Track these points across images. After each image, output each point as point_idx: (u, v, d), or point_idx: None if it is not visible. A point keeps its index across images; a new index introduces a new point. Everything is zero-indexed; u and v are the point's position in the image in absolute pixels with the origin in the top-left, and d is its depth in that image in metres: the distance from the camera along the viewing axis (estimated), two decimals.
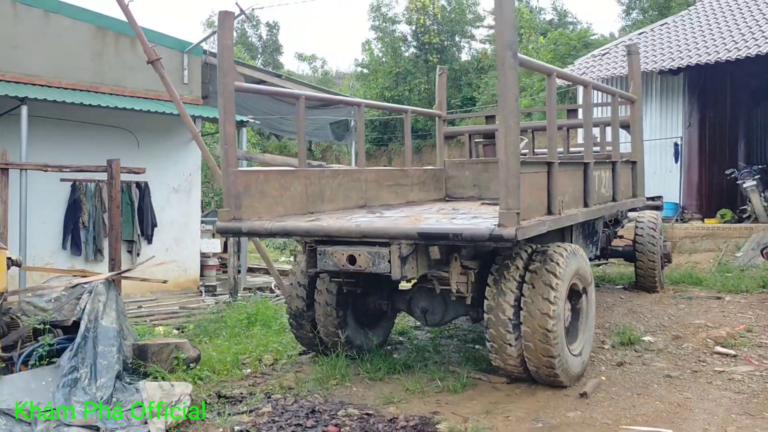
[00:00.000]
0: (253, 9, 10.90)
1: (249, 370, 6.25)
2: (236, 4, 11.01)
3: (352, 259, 5.12)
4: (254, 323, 7.79)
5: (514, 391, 5.43)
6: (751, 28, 13.91)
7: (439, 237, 4.79)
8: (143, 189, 11.25)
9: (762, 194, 12.68)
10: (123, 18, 11.20)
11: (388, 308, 6.52)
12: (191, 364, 5.92)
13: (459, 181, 9.03)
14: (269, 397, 5.35)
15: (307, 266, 5.43)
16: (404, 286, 6.67)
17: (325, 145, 31.45)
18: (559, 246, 5.51)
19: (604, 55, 15.26)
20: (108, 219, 8.95)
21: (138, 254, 11.08)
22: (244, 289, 11.38)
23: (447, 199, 8.89)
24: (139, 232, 11.14)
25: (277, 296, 9.86)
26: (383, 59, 36.91)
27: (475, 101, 31.99)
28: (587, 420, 4.78)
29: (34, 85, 10.01)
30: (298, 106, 6.63)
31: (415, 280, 6.40)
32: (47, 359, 5.27)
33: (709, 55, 13.12)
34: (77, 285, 5.78)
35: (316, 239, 5.32)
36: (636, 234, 8.97)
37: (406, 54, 36.73)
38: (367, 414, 4.96)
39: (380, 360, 6.12)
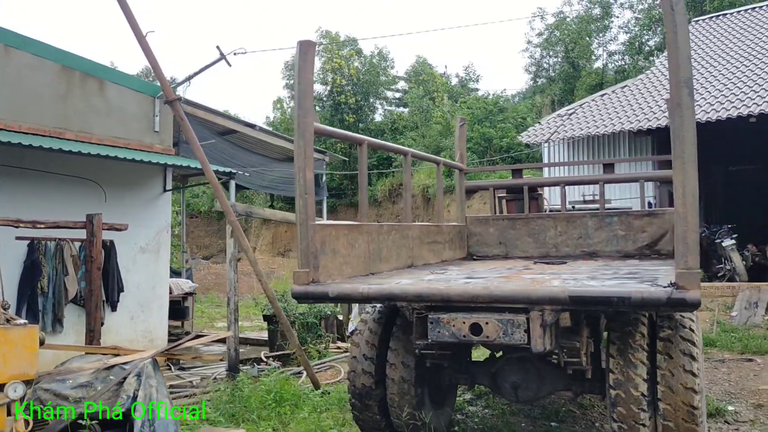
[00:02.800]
0: (241, 52, 9.95)
1: None
2: (217, 47, 10.12)
3: (476, 329, 4.31)
4: (280, 403, 6.69)
5: None
6: (707, 91, 14.40)
7: (600, 302, 4.09)
8: (109, 248, 9.87)
9: (741, 252, 12.85)
10: (89, 57, 10.17)
11: (468, 383, 5.70)
12: None
13: (483, 238, 8.40)
14: None
15: (415, 338, 4.56)
16: (477, 357, 5.90)
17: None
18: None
19: (570, 114, 15.40)
20: (87, 283, 7.65)
21: (102, 323, 9.62)
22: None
23: (474, 257, 8.24)
24: (104, 297, 9.71)
25: (277, 368, 8.74)
26: None
27: (392, 161, 32.11)
28: None
29: None
30: (360, 151, 5.84)
31: (499, 352, 5.68)
32: None
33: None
34: (114, 366, 4.62)
35: (428, 305, 4.49)
36: None
37: (321, 113, 36.69)
38: None
39: None
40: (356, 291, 4.62)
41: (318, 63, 37.77)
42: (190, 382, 8.89)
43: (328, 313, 10.63)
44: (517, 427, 6.03)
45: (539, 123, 15.89)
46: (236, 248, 8.45)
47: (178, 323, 12.48)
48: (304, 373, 8.50)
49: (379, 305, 5.81)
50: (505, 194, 9.11)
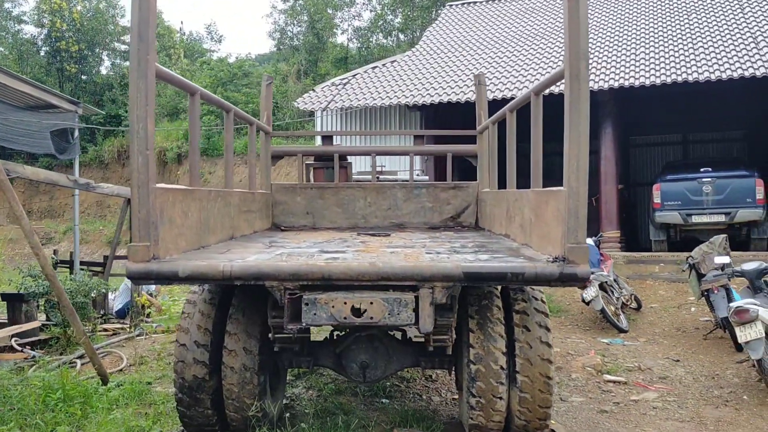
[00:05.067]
0: None
1: None
2: None
3: (357, 310, 3.87)
4: (67, 402, 5.52)
5: None
6: (462, 75, 15.35)
7: (493, 278, 3.88)
8: None
9: None
10: None
11: (308, 365, 5.20)
12: None
13: (289, 207, 7.85)
14: None
15: (288, 321, 3.94)
16: (315, 338, 5.45)
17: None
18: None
19: (345, 84, 15.32)
20: None
21: None
22: None
23: (281, 228, 7.67)
24: None
25: (41, 358, 7.25)
26: (7, 63, 32.07)
27: (120, 119, 29.69)
28: None
29: None
30: (191, 103, 4.92)
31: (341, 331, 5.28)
32: None
33: (449, 95, 14.12)
34: None
35: (303, 284, 3.91)
36: None
37: (35, 60, 32.49)
38: None
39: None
40: (215, 270, 3.86)
41: (32, 1, 33.17)
42: None
43: (103, 291, 9.22)
44: (349, 407, 5.72)
45: (314, 90, 15.60)
46: None
47: None
48: (78, 363, 7.24)
49: (207, 285, 5.04)
50: (313, 161, 8.64)
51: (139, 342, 8.42)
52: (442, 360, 5.13)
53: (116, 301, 10.08)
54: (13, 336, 8.06)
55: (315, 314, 3.88)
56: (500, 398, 4.63)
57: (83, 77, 34.00)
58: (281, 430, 4.86)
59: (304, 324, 3.94)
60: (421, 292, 3.88)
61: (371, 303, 3.86)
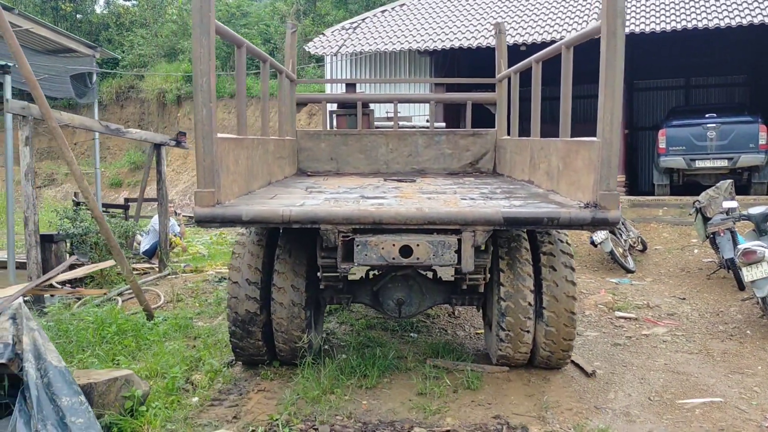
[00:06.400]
0: None
1: (196, 399, 4.78)
2: None
3: (406, 251, 4.24)
4: (121, 336, 5.95)
5: (526, 379, 5.16)
6: (471, 20, 15.39)
7: (531, 222, 4.24)
8: None
9: None
10: None
11: (347, 302, 5.62)
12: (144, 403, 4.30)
13: (314, 154, 8.15)
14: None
15: (341, 261, 4.31)
16: (352, 276, 5.82)
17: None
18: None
19: (355, 28, 15.35)
20: None
21: None
22: None
23: (308, 173, 7.98)
24: None
25: (83, 297, 7.66)
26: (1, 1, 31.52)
27: (117, 62, 29.36)
28: (646, 397, 4.82)
29: None
30: (238, 55, 5.17)
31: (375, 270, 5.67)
32: None
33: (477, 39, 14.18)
34: None
35: (355, 228, 4.26)
36: None
37: None
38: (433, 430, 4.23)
39: (361, 363, 5.24)
40: (275, 214, 4.21)
41: None
42: None
43: (136, 231, 9.58)
44: (381, 340, 6.16)
45: (323, 34, 15.62)
46: (33, 158, 7.09)
47: None
48: (119, 300, 7.66)
49: (254, 227, 5.39)
50: (336, 109, 8.88)
51: (171, 281, 8.84)
52: (472, 298, 5.54)
53: (144, 241, 10.45)
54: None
55: (366, 255, 4.25)
56: (528, 332, 5.07)
57: (78, 16, 33.44)
58: (325, 360, 5.27)
59: (356, 264, 4.32)
60: (463, 235, 4.24)
61: (418, 245, 4.23)
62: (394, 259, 4.25)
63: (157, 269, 9.66)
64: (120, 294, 7.88)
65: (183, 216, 14.07)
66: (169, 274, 9.30)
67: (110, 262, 8.06)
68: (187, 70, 28.58)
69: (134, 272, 9.53)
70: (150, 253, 10.30)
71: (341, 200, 4.84)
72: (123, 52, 29.77)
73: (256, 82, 20.95)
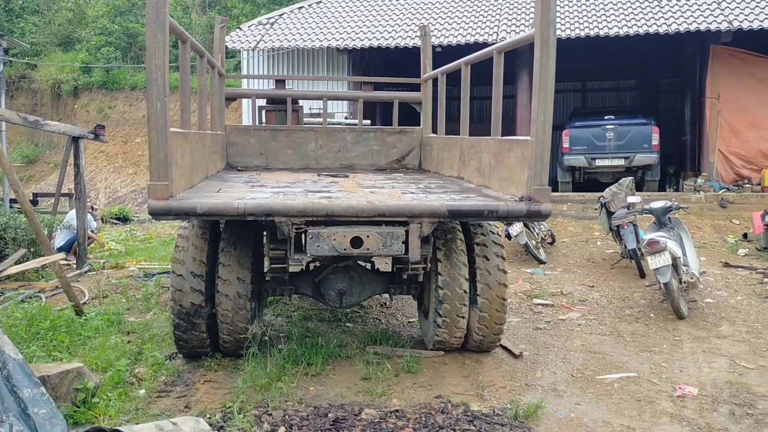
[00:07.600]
0: None
1: (143, 391, 4.81)
2: None
3: (357, 242, 4.47)
4: (40, 329, 5.83)
5: (461, 361, 5.51)
6: (388, 20, 15.72)
7: (473, 214, 4.56)
8: None
9: None
10: None
11: (288, 293, 5.77)
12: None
13: (243, 149, 8.19)
14: (258, 418, 4.31)
15: (294, 252, 4.48)
16: (293, 268, 5.98)
17: None
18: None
19: (273, 24, 15.31)
20: None
21: None
22: None
23: (237, 169, 8.01)
24: None
25: (12, 291, 7.35)
26: None
27: (7, 51, 27.85)
28: (569, 375, 5.26)
29: None
30: (182, 50, 5.20)
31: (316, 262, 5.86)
32: None
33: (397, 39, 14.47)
34: None
35: (308, 220, 4.43)
36: None
37: None
38: (384, 412, 4.48)
39: (305, 351, 5.42)
40: (230, 207, 4.32)
41: None
42: None
43: (55, 227, 9.24)
44: (319, 330, 6.35)
45: (240, 29, 15.47)
46: None
47: None
48: (43, 297, 7.44)
49: (196, 220, 5.45)
50: (265, 104, 8.94)
51: (92, 277, 8.63)
52: (410, 287, 5.84)
53: (59, 237, 10.09)
54: None
55: (318, 246, 4.45)
56: (463, 317, 5.42)
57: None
58: (270, 350, 5.40)
59: (309, 255, 4.52)
60: (411, 227, 4.52)
61: (368, 236, 4.47)
62: (345, 249, 4.47)
63: (74, 265, 9.39)
64: (42, 291, 7.64)
65: (100, 210, 13.62)
66: (88, 271, 9.06)
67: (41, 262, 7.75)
68: (85, 60, 27.47)
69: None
70: (66, 249, 9.97)
71: (289, 194, 5.00)
72: (33, 39, 28.21)
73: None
